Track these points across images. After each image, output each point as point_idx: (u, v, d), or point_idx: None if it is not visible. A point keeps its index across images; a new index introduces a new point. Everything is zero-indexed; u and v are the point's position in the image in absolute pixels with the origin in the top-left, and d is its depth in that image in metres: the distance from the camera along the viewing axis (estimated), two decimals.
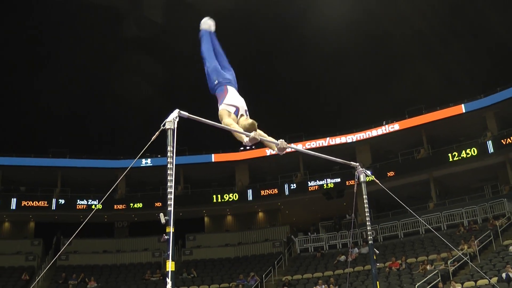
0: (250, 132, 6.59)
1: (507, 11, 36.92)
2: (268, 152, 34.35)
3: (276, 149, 6.94)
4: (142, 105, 39.37)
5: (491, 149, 30.00)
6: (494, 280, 19.42)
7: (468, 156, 30.38)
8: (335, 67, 40.30)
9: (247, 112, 7.20)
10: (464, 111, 31.92)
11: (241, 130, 6.65)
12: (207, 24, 7.87)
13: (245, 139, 6.62)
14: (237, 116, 7.04)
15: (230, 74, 7.58)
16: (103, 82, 40.99)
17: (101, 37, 40.52)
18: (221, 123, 6.84)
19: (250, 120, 6.86)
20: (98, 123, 42.18)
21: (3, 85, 39.64)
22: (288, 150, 7.04)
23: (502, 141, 29.73)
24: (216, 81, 7.37)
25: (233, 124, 6.77)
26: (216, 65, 7.55)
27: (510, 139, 29.38)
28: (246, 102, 7.23)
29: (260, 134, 6.66)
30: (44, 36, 40.41)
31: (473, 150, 30.41)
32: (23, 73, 41.33)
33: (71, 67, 40.50)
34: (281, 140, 6.86)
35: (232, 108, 7.04)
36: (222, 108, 7.09)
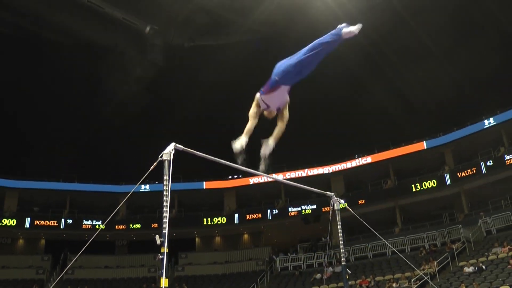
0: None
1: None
2: (252, 181, 34.72)
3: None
4: (141, 135, 38.81)
5: (448, 181, 30.22)
6: None
7: (428, 187, 30.60)
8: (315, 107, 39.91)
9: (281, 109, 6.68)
10: (425, 147, 32.15)
11: (251, 128, 6.47)
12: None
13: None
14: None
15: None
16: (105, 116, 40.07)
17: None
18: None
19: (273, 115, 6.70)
20: (103, 152, 41.72)
21: (20, 116, 39.03)
22: (267, 151, 6.66)
23: (458, 174, 29.93)
24: (276, 77, 6.38)
25: (250, 121, 6.54)
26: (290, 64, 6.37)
27: (465, 172, 29.62)
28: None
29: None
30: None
31: (433, 182, 30.61)
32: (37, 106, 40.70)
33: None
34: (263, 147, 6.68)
35: (264, 105, 6.60)
36: (257, 97, 6.63)
